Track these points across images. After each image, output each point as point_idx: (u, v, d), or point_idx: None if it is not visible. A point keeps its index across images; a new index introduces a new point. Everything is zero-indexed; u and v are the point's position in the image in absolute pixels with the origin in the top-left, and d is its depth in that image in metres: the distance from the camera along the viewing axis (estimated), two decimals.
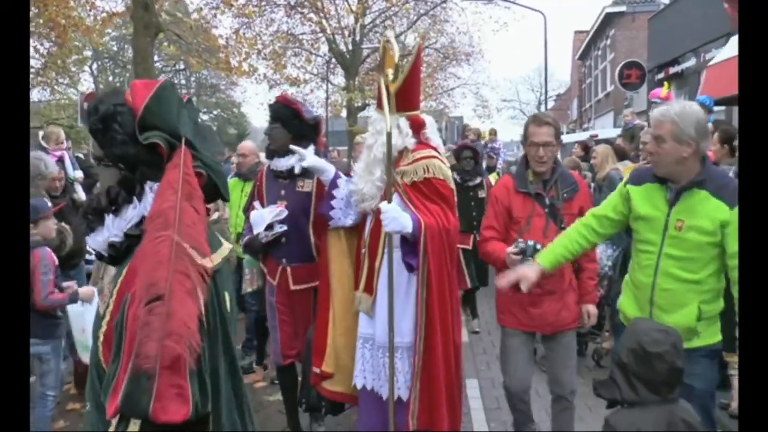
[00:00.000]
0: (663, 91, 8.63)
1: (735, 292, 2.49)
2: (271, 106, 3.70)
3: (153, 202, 1.50)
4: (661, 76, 16.21)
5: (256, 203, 3.77)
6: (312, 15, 21.85)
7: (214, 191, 1.64)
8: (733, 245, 2.46)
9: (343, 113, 24.62)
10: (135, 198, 1.56)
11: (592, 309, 3.43)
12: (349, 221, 3.35)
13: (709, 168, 2.63)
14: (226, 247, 1.66)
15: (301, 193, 3.65)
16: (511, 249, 3.12)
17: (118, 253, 1.56)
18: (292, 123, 3.56)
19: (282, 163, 3.64)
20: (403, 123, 3.09)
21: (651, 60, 17.26)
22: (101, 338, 1.47)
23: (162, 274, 1.33)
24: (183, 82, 41.08)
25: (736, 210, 2.45)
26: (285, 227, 3.60)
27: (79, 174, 5.90)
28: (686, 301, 2.61)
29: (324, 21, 21.74)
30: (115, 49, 34.93)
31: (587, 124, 30.95)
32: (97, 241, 1.59)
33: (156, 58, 15.51)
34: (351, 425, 3.98)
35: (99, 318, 1.52)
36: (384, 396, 3.09)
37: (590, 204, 3.36)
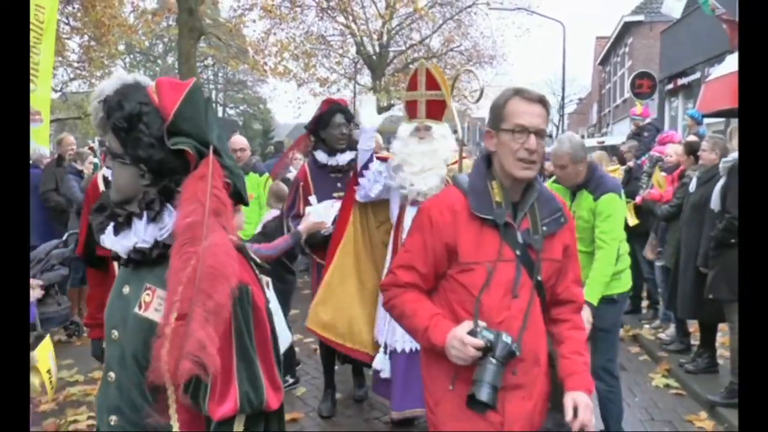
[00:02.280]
0: (638, 109, 9.58)
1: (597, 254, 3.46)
2: (341, 106, 4.27)
3: (178, 212, 1.43)
4: (670, 86, 17.02)
5: (312, 198, 4.18)
6: (341, 18, 22.80)
7: (237, 197, 1.58)
8: (595, 223, 3.48)
9: None
10: (171, 206, 1.48)
11: (582, 399, 2.00)
12: (373, 193, 3.91)
13: (593, 174, 3.59)
14: None
15: None
16: (466, 337, 1.90)
17: (147, 260, 1.48)
18: (350, 120, 4.33)
19: (343, 158, 4.22)
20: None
21: (662, 71, 18.07)
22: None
23: (187, 294, 1.33)
24: (211, 77, 42.39)
25: (599, 201, 3.48)
26: None
27: None
28: (584, 266, 3.44)
29: (353, 24, 22.70)
30: (147, 44, 36.26)
31: (606, 128, 31.67)
32: (122, 244, 1.51)
33: None
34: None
35: (152, 327, 1.41)
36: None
37: (575, 241, 2.27)
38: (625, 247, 3.72)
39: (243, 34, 19.94)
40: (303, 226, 3.92)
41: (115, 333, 1.53)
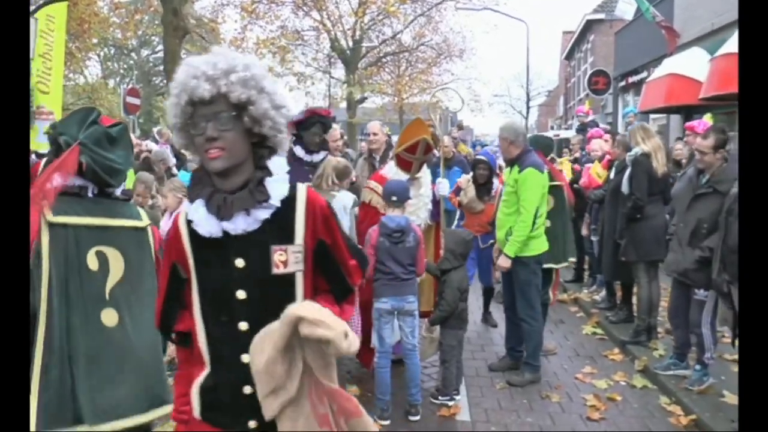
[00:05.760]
0: (585, 107, 10.93)
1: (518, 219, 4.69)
2: (324, 118, 4.98)
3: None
4: (623, 84, 18.42)
5: None
6: (315, 14, 23.61)
7: (99, 178, 2.30)
8: (519, 191, 4.68)
9: (343, 104, 26.29)
10: None
11: None
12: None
13: (524, 155, 4.78)
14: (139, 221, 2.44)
15: None
16: None
17: None
18: (327, 129, 5.23)
19: (318, 157, 4.97)
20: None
21: (616, 69, 19.49)
22: None
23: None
24: None
25: (522, 173, 4.66)
26: None
27: (174, 161, 7.99)
28: (505, 225, 4.83)
29: (327, 21, 23.58)
30: (119, 36, 36.53)
31: (571, 120, 33.23)
32: None
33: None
34: None
35: None
36: None
37: None
38: (540, 222, 4.85)
39: (219, 31, 20.80)
40: None
41: None
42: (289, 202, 1.75)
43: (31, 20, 8.33)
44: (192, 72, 1.63)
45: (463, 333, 4.65)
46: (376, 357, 4.35)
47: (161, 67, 16.05)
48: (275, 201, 1.72)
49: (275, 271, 1.72)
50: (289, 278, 1.74)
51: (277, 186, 1.74)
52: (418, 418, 4.28)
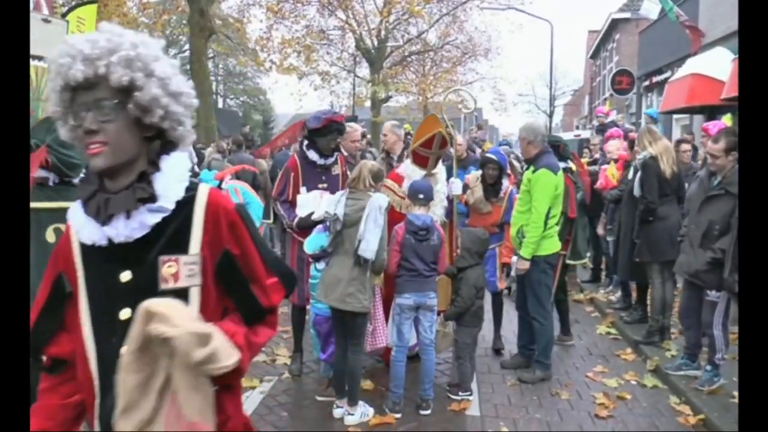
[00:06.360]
0: (606, 107, 10.90)
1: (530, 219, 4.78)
2: (338, 124, 4.85)
3: None
4: (647, 83, 18.27)
5: (302, 189, 4.79)
6: (340, 13, 23.78)
7: (60, 171, 3.05)
8: (531, 191, 4.77)
9: (367, 103, 26.42)
10: None
11: None
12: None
13: (541, 155, 4.86)
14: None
15: (336, 176, 4.94)
16: None
17: None
18: (342, 133, 5.18)
19: (330, 160, 4.93)
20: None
21: (640, 69, 19.33)
22: None
23: None
24: (212, 69, 43.43)
25: (536, 173, 4.74)
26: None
27: (195, 160, 8.22)
28: (517, 222, 4.93)
29: (352, 20, 23.75)
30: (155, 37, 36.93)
31: (595, 120, 32.99)
32: None
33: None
34: None
35: None
36: None
37: None
38: (552, 222, 4.90)
39: (246, 31, 21.12)
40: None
41: None
42: (186, 205, 1.50)
43: (63, 22, 8.62)
44: (67, 50, 1.38)
45: (477, 331, 4.75)
46: (393, 350, 4.48)
47: (188, 67, 16.33)
48: (166, 203, 1.47)
49: (164, 286, 1.46)
50: (181, 294, 1.46)
51: (170, 185, 1.48)
52: (429, 412, 4.39)
